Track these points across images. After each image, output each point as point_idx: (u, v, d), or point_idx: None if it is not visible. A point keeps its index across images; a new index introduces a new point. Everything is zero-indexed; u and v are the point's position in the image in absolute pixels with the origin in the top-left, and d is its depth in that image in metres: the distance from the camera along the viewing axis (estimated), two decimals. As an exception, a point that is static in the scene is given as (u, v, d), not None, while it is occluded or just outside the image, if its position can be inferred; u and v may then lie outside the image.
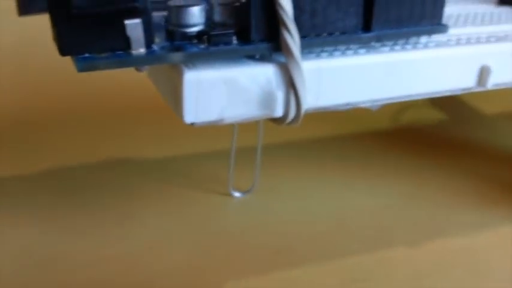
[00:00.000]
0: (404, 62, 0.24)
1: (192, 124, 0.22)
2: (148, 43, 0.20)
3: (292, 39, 0.21)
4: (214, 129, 0.36)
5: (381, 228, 0.29)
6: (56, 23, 0.19)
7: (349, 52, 0.24)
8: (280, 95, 0.22)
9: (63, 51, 0.19)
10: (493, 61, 0.25)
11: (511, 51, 0.26)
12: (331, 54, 0.23)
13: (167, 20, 0.22)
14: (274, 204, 0.31)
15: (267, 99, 0.22)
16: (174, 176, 0.33)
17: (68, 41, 0.19)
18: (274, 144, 0.36)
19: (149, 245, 0.27)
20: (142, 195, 0.31)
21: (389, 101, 0.25)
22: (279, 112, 0.22)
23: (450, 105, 0.44)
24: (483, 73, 0.26)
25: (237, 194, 0.31)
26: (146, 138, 0.37)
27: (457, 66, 0.25)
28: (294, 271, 0.26)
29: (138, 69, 0.21)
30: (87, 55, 0.20)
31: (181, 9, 0.21)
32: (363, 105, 0.24)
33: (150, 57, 0.20)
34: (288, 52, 0.21)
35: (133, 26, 0.20)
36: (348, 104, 0.24)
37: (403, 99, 0.25)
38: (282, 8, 0.21)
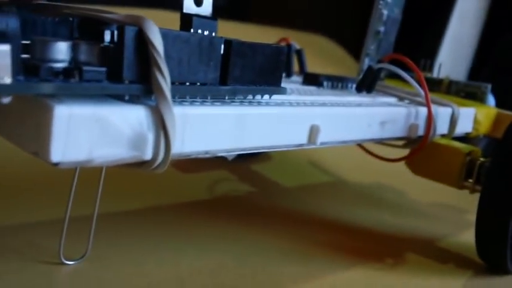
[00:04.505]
0: (251, 115, 0.26)
1: (57, 164, 0.20)
2: (15, 73, 0.19)
3: (164, 80, 0.21)
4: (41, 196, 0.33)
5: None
6: None
7: (207, 103, 0.25)
8: (150, 137, 0.22)
9: None
10: (321, 122, 0.29)
11: (336, 115, 0.30)
12: (192, 103, 0.24)
13: (30, 54, 0.20)
14: (106, 272, 0.29)
15: (138, 141, 0.21)
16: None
17: None
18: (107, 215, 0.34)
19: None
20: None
21: (241, 151, 0.26)
22: (148, 154, 0.22)
23: (250, 178, 0.48)
24: (313, 131, 0.29)
25: (68, 262, 0.29)
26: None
27: (292, 124, 0.28)
28: None
29: None
30: None
31: (48, 43, 0.20)
32: (220, 154, 0.25)
33: (19, 86, 0.19)
34: (160, 93, 0.21)
35: (2, 53, 0.18)
36: (207, 152, 0.25)
37: (252, 151, 0.27)
38: (154, 48, 0.21)
